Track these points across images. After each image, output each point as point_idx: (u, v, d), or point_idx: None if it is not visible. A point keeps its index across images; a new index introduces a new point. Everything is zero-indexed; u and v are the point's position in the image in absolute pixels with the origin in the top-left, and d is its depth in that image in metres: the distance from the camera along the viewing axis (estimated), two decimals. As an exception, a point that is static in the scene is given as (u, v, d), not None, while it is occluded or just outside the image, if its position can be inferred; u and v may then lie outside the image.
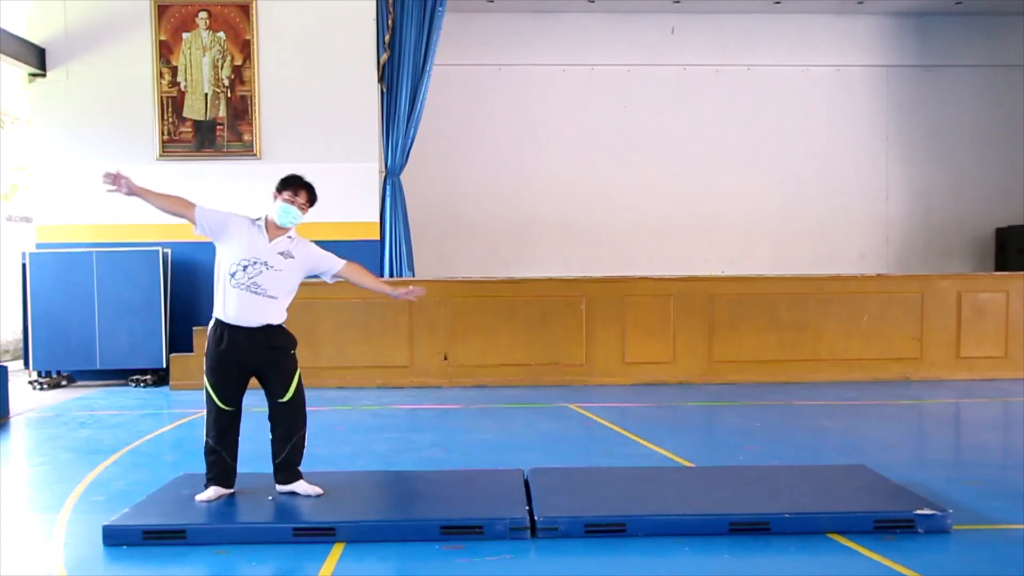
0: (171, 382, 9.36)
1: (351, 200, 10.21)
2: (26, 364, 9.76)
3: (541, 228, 12.35)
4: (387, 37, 10.22)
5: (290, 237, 4.71)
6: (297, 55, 10.11)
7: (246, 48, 10.09)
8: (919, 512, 4.28)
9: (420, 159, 11.05)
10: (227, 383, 4.59)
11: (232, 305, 4.55)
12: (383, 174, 10.46)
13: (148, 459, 6.26)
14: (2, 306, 11.45)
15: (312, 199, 4.74)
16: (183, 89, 10.07)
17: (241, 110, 10.10)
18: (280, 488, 4.71)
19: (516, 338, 9.43)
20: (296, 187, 4.68)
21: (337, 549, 4.09)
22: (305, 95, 10.11)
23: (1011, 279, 9.89)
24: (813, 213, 12.58)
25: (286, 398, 4.66)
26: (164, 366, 9.52)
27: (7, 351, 11.95)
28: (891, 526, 4.25)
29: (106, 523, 4.26)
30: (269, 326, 4.62)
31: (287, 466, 4.70)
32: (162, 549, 4.12)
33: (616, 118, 12.38)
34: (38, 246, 9.98)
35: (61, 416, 7.94)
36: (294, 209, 4.66)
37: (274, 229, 4.68)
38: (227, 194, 10.08)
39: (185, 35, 10.05)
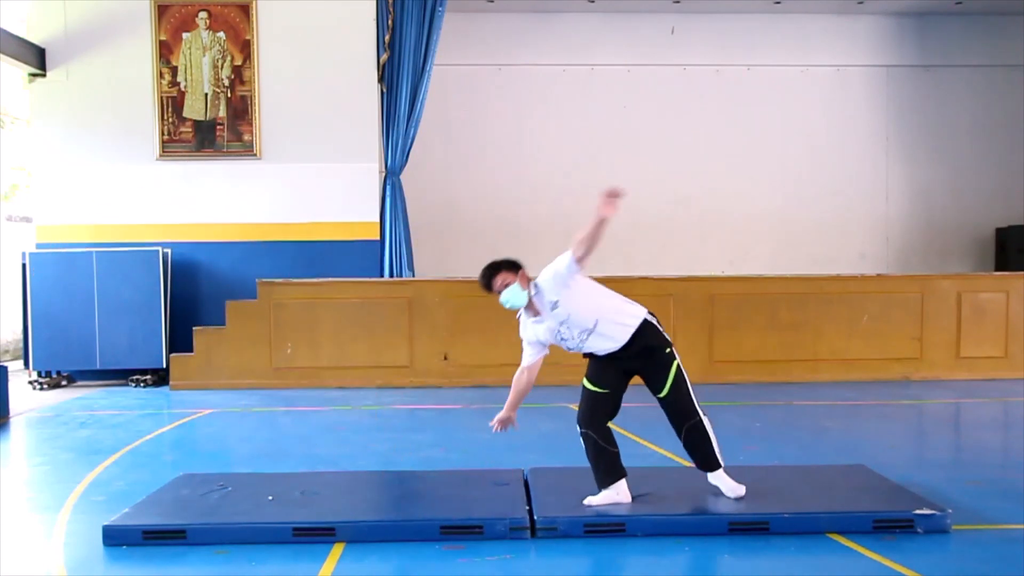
0: (171, 382, 9.36)
1: (351, 200, 10.21)
2: (26, 364, 9.76)
3: (541, 228, 12.32)
4: (387, 37, 10.22)
5: (536, 294, 4.48)
6: (297, 55, 10.11)
7: (246, 48, 10.09)
8: (918, 512, 4.28)
9: (420, 159, 11.05)
10: (606, 374, 4.53)
11: (590, 352, 4.55)
12: (383, 174, 10.46)
13: (148, 459, 6.26)
14: (2, 306, 11.45)
15: (497, 272, 4.45)
16: (183, 89, 10.07)
17: (241, 110, 10.10)
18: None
19: (516, 338, 9.33)
20: (486, 283, 4.50)
21: (337, 549, 4.09)
22: (305, 95, 10.11)
23: (1011, 279, 9.89)
24: (813, 213, 12.58)
25: (662, 395, 4.52)
26: (164, 366, 9.52)
27: (7, 351, 11.96)
28: (890, 526, 4.25)
29: (106, 523, 4.26)
30: (627, 342, 4.44)
31: (692, 457, 4.61)
32: (162, 549, 4.12)
33: (616, 118, 12.38)
34: (38, 246, 9.98)
35: (61, 416, 7.94)
36: (503, 297, 4.48)
37: (528, 311, 4.56)
38: (227, 194, 10.13)
39: (185, 35, 10.05)
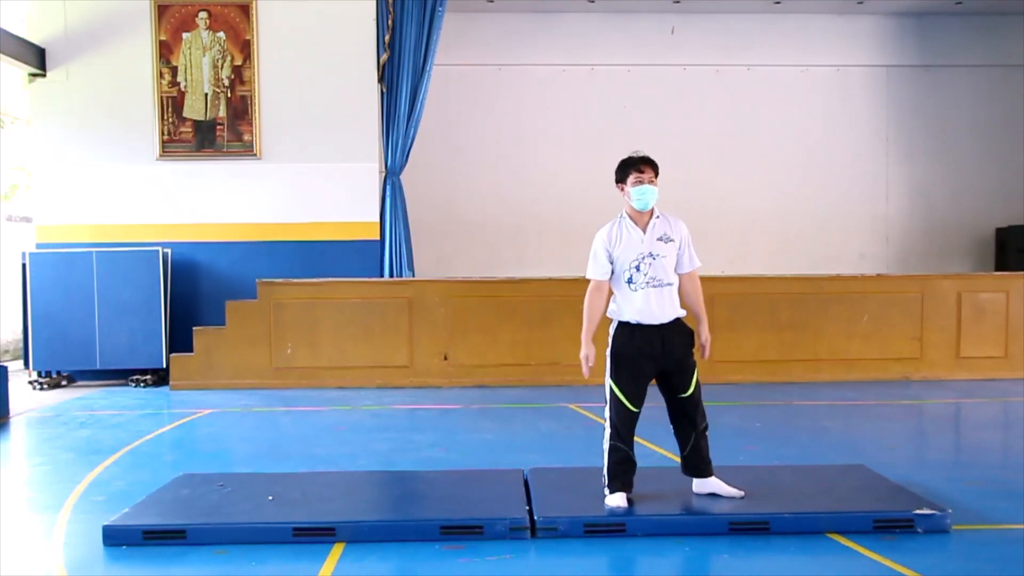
0: (171, 382, 9.35)
1: (351, 200, 10.21)
2: (26, 364, 9.76)
3: (541, 228, 12.34)
4: (387, 37, 10.22)
5: (658, 217, 4.54)
6: (297, 55, 10.11)
7: (246, 48, 10.09)
8: (918, 512, 4.28)
9: (420, 159, 11.05)
10: (638, 385, 4.47)
11: (639, 306, 4.44)
12: (383, 174, 10.46)
13: (148, 459, 6.26)
14: (2, 306, 11.45)
15: (657, 169, 4.50)
16: (183, 89, 10.07)
17: (241, 110, 10.10)
18: (695, 486, 4.62)
19: (516, 338, 9.43)
20: (639, 166, 4.46)
21: (337, 549, 4.09)
22: (305, 95, 10.11)
23: (1011, 279, 9.89)
24: (813, 213, 12.58)
25: (688, 393, 4.51)
26: (164, 366, 9.52)
27: (7, 351, 11.96)
28: (890, 526, 4.25)
29: (106, 523, 4.26)
30: (677, 320, 4.51)
31: (695, 461, 4.59)
32: (162, 549, 4.12)
33: (616, 118, 12.37)
34: (38, 246, 9.98)
35: (61, 416, 7.94)
36: (648, 187, 4.45)
37: (639, 216, 4.51)
38: (227, 194, 10.13)
39: (185, 35, 10.05)
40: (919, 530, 4.24)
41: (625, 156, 4.56)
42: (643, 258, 4.46)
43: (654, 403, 4.64)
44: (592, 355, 4.50)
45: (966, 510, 4.56)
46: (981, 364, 9.62)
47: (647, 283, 4.45)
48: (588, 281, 4.62)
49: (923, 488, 4.89)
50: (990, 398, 8.57)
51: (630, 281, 4.47)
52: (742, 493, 4.53)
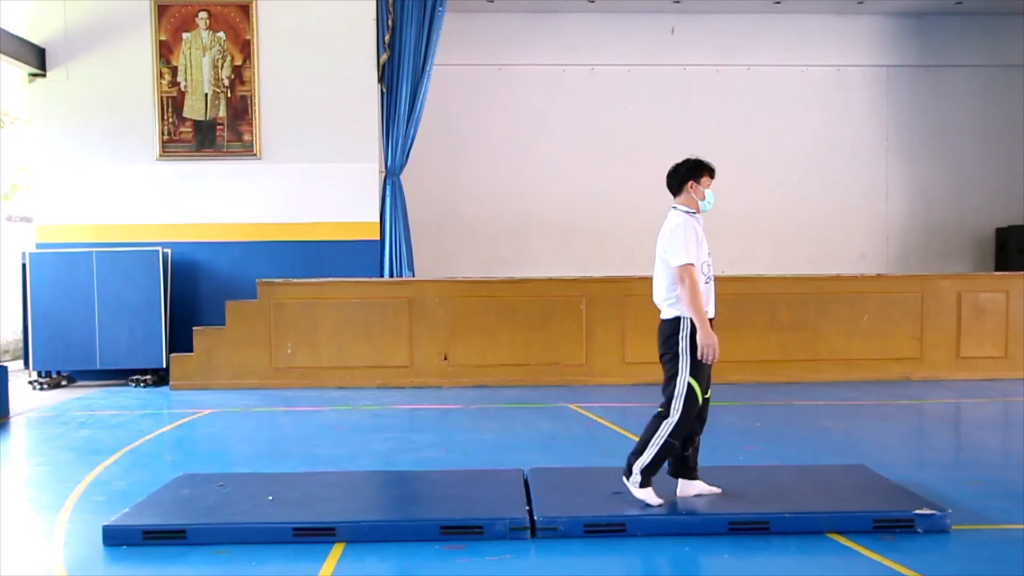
0: (171, 382, 9.35)
1: (351, 200, 10.21)
2: (26, 364, 9.76)
3: (541, 228, 12.34)
4: (387, 37, 10.22)
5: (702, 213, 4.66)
6: (297, 55, 10.11)
7: (246, 48, 10.09)
8: (918, 512, 4.28)
9: (420, 159, 11.05)
10: (710, 378, 4.49)
11: (711, 299, 4.51)
12: (383, 174, 10.46)
13: (148, 459, 6.26)
14: (2, 306, 11.45)
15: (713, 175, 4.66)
16: (183, 89, 10.07)
17: (241, 110, 10.10)
18: (681, 488, 4.60)
19: (516, 338, 9.43)
20: (712, 172, 4.58)
21: (337, 549, 4.10)
22: (305, 95, 10.11)
23: (1011, 279, 9.89)
24: (813, 213, 12.58)
25: (709, 392, 4.54)
26: (164, 366, 9.52)
27: (7, 351, 11.96)
28: (890, 526, 4.26)
29: (106, 523, 4.26)
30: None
31: (695, 461, 4.61)
32: (162, 549, 4.13)
33: (616, 118, 12.38)
34: (38, 246, 9.98)
35: (61, 416, 7.94)
36: (712, 194, 4.60)
37: (700, 219, 4.59)
38: (227, 194, 10.13)
39: (185, 35, 10.05)
40: (919, 530, 4.24)
41: (691, 157, 4.62)
42: (710, 255, 4.57)
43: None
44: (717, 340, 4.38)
45: (966, 510, 4.57)
46: (981, 364, 9.62)
47: (711, 278, 4.55)
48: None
49: (923, 488, 4.89)
50: (990, 398, 8.57)
51: (702, 274, 4.49)
52: (720, 489, 4.62)
